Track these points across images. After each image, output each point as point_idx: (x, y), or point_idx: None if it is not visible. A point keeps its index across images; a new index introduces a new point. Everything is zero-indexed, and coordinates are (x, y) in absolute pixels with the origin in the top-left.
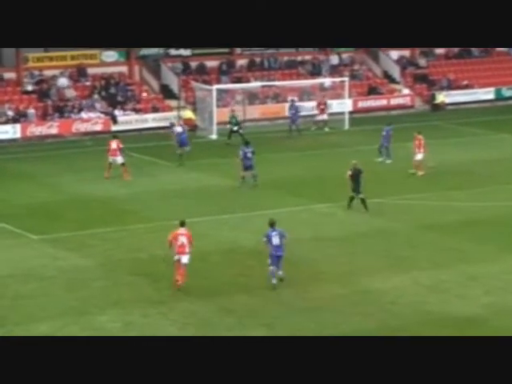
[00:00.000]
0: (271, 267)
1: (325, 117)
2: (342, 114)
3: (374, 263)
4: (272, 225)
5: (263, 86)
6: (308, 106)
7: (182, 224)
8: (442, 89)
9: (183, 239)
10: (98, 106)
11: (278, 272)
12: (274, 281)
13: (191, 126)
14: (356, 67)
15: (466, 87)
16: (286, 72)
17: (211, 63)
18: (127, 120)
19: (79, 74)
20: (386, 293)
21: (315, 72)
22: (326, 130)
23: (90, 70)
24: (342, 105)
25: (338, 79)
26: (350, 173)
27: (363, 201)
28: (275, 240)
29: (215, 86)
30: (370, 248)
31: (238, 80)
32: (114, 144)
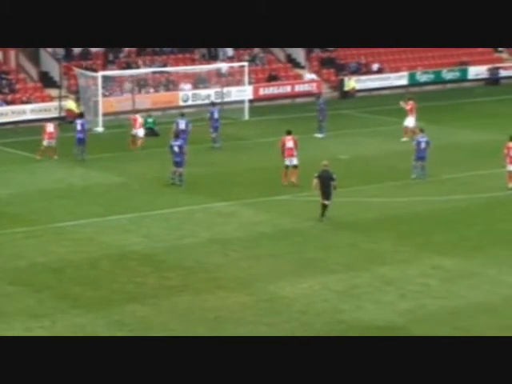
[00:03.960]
0: None
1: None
2: (242, 102)
3: (280, 267)
4: None
5: (154, 73)
6: (204, 94)
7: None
8: (351, 74)
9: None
10: None
11: None
12: None
13: (73, 118)
14: (256, 50)
15: (378, 72)
16: (180, 57)
17: (96, 48)
18: (2, 112)
19: None
20: (294, 300)
21: (211, 56)
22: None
23: None
24: (242, 92)
25: (236, 64)
26: (315, 180)
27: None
28: None
29: (100, 73)
30: (275, 251)
31: (127, 66)
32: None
